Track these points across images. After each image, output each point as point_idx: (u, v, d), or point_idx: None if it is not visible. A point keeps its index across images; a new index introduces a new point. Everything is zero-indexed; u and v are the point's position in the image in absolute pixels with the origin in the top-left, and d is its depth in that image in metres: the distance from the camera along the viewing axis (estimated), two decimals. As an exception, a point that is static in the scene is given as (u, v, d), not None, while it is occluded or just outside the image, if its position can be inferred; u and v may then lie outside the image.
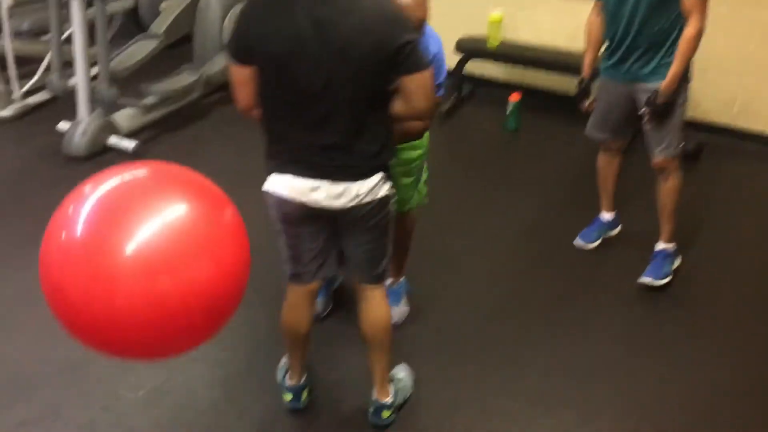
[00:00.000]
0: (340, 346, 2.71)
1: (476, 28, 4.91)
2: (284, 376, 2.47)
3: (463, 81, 4.99)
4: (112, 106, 4.16)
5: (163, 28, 4.67)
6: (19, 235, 3.35)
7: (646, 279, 3.12)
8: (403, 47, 1.89)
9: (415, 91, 1.96)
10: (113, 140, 4.13)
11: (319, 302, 2.77)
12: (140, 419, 2.43)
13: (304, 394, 2.46)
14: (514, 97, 4.58)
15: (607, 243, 3.42)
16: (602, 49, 3.07)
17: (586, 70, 3.13)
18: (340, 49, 1.88)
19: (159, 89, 4.45)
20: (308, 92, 1.95)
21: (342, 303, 2.90)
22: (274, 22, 1.92)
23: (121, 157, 4.07)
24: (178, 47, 4.98)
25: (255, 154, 4.19)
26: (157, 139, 4.33)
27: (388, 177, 2.13)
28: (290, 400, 2.45)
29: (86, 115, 4.07)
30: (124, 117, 4.34)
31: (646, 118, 2.91)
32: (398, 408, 2.44)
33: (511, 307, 3.01)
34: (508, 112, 4.60)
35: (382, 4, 1.94)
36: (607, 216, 3.44)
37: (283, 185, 2.08)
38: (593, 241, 3.42)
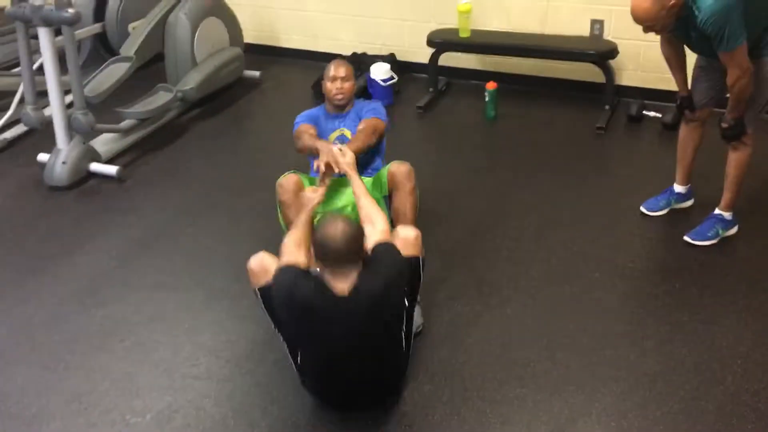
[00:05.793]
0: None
1: (446, 21, 4.93)
2: None
3: (438, 75, 5.00)
4: (90, 133, 4.14)
5: (134, 49, 4.65)
6: (12, 269, 3.34)
7: (687, 237, 3.25)
8: None
9: None
10: (95, 167, 4.11)
11: None
12: (150, 443, 2.42)
13: None
14: (491, 86, 4.60)
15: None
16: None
17: (680, 90, 3.23)
18: None
19: (136, 111, 4.44)
20: None
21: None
22: None
23: (105, 182, 4.06)
24: (150, 67, 4.97)
25: (236, 166, 4.23)
26: (139, 161, 4.31)
27: None
28: None
29: (65, 144, 4.05)
30: (104, 142, 4.33)
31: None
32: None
33: (507, 293, 3.03)
34: (486, 100, 4.62)
35: None
36: (679, 188, 3.48)
37: None
38: (658, 210, 3.49)
